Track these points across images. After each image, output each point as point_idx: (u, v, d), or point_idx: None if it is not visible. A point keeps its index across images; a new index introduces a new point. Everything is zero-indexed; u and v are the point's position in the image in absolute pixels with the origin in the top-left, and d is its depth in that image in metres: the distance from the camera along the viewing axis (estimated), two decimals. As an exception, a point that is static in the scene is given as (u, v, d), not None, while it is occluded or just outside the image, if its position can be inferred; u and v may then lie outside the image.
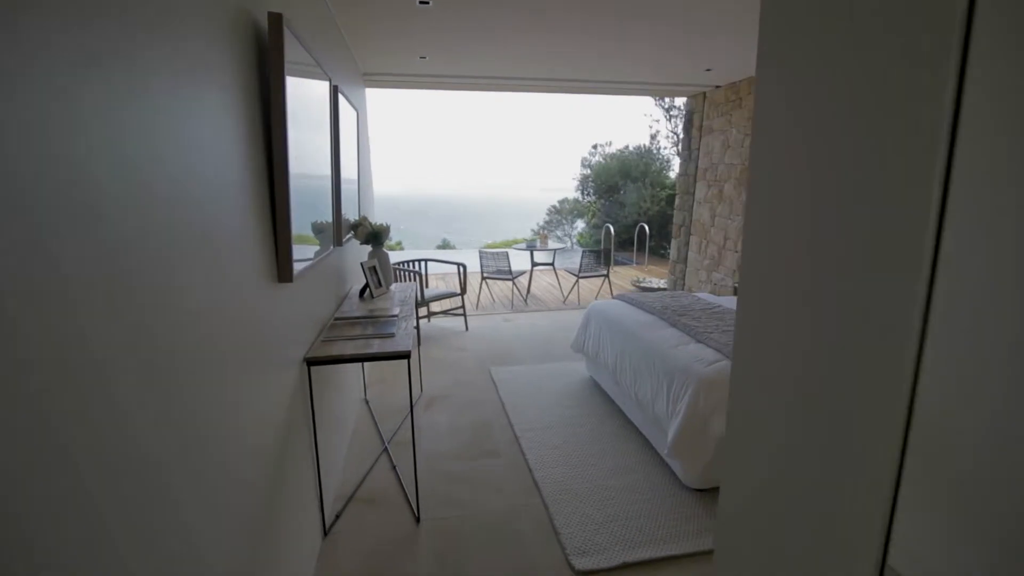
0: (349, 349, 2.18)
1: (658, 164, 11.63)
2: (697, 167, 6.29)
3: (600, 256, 6.90)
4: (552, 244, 8.10)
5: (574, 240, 21.68)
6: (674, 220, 6.88)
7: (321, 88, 2.28)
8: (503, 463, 2.90)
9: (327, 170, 2.42)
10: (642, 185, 11.07)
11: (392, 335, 2.36)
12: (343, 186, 2.75)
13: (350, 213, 3.15)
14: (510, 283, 7.58)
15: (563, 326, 5.60)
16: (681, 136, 6.34)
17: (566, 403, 3.67)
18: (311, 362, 2.04)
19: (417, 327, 4.28)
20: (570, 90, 6.27)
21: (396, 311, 2.76)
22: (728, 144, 5.65)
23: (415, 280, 4.94)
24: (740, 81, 5.43)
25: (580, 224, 21.43)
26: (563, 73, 5.29)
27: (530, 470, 2.80)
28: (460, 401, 3.73)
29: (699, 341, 2.96)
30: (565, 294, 7.33)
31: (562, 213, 21.67)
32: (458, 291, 5.41)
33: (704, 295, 4.19)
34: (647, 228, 10.26)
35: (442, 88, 5.97)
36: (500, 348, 4.93)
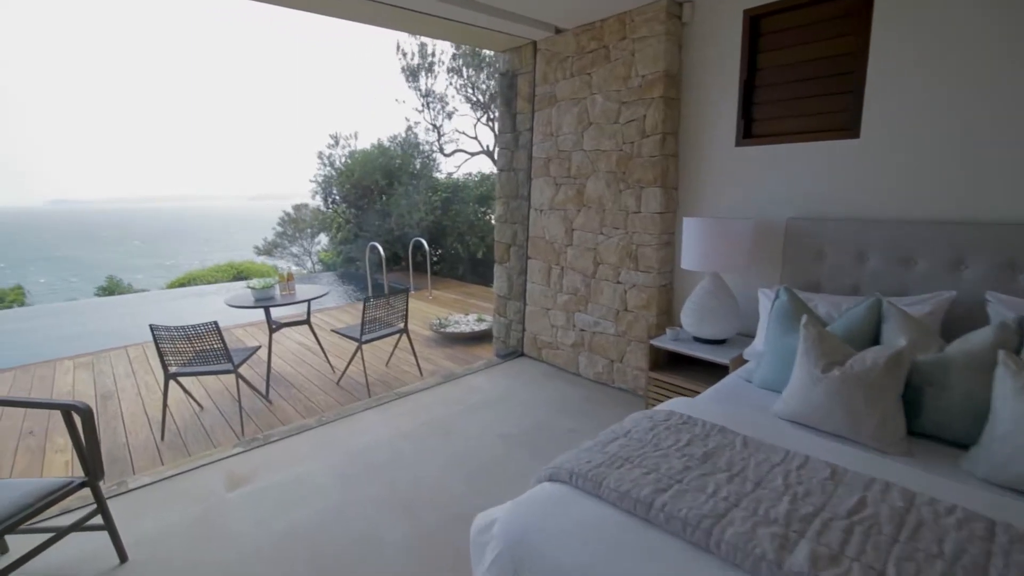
0: None
1: (423, 160, 9.32)
2: (531, 157, 4.17)
3: (372, 286, 4.19)
4: (298, 281, 4.87)
5: (315, 258, 17.60)
6: (496, 236, 4.63)
7: None
8: None
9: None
10: (414, 190, 8.55)
11: None
12: None
13: None
14: (229, 376, 4.13)
15: (366, 477, 2.72)
16: (497, 112, 4.04)
17: None
18: None
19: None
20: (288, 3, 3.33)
21: None
22: (588, 119, 3.66)
23: None
24: (605, 20, 3.48)
25: (323, 238, 17.42)
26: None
27: None
28: None
29: None
30: (337, 373, 4.30)
31: (299, 222, 17.29)
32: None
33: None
34: (426, 244, 7.84)
35: None
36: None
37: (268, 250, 17.42)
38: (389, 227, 8.95)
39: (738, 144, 3.11)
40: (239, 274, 16.27)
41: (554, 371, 4.21)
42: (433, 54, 9.84)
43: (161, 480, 2.74)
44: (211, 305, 8.50)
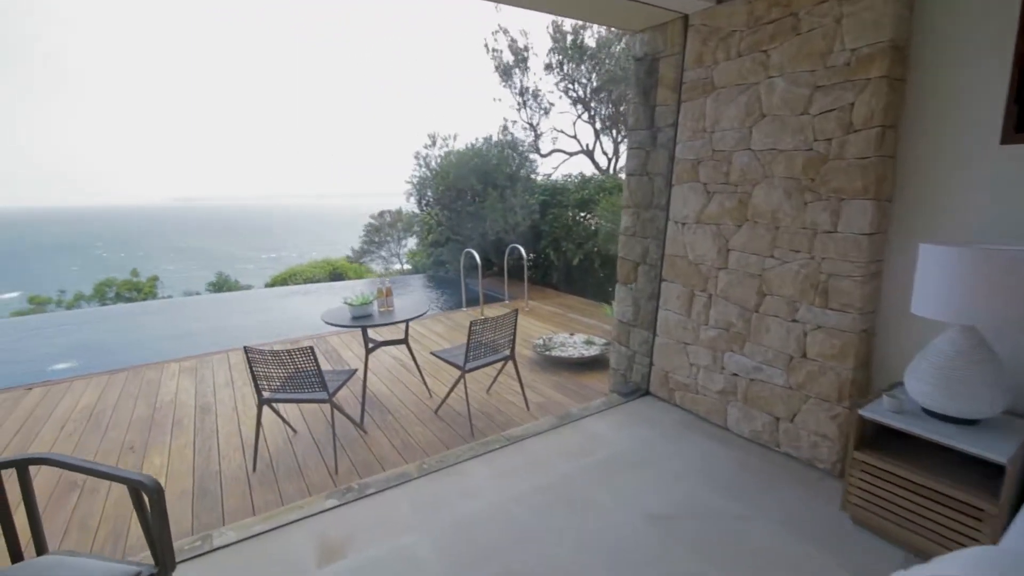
0: None
1: (519, 161, 8.79)
2: (673, 159, 3.42)
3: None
4: (395, 294, 4.48)
5: (404, 261, 17.83)
6: (621, 252, 3.93)
7: None
8: None
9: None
10: (512, 192, 8.04)
11: None
12: None
13: None
14: (325, 407, 3.81)
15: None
16: (631, 102, 3.31)
17: None
18: None
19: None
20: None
21: None
22: (761, 110, 2.86)
23: None
24: (793, -22, 2.66)
25: (410, 241, 17.61)
26: None
27: None
28: None
29: None
30: (434, 396, 3.82)
31: (383, 230, 17.62)
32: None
33: None
34: (523, 251, 7.29)
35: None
36: None
37: (360, 252, 17.92)
38: (483, 231, 8.52)
39: (1008, 141, 2.18)
40: (335, 271, 16.87)
41: (692, 420, 3.44)
42: (526, 48, 9.30)
43: (247, 539, 2.35)
44: (315, 306, 8.57)
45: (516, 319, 3.72)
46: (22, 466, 1.65)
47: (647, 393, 3.85)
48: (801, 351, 2.80)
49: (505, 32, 9.50)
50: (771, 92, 2.81)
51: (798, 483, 2.70)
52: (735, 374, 3.18)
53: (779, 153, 2.80)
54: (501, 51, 9.72)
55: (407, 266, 17.21)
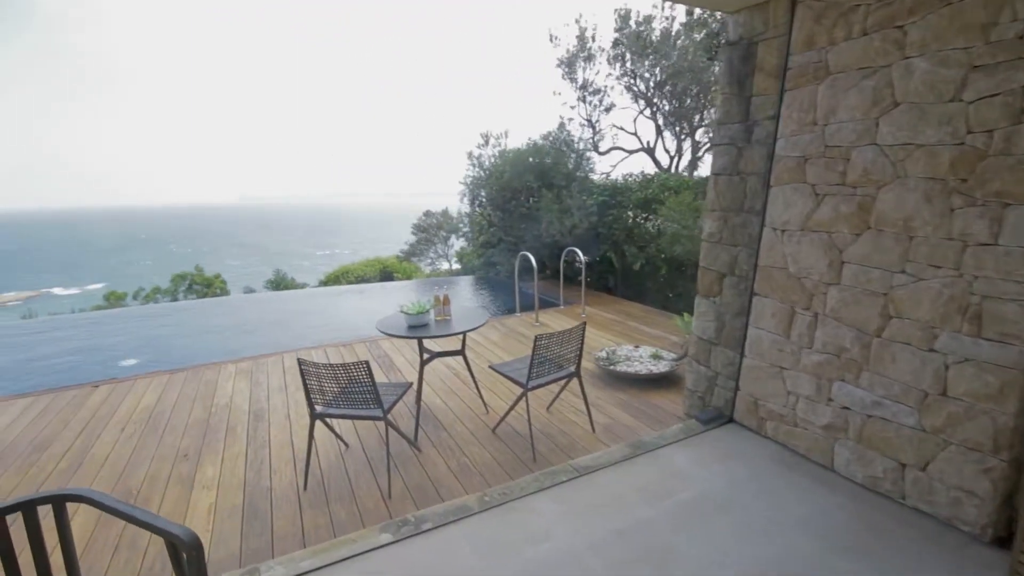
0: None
1: (576, 160, 8.38)
2: (773, 156, 2.98)
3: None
4: (435, 285, 4.21)
5: (452, 261, 17.79)
6: (704, 261, 3.50)
7: None
8: None
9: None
10: (568, 193, 7.65)
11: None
12: None
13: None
14: (380, 424, 3.60)
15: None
16: (721, 93, 2.87)
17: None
18: None
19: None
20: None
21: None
22: (893, 97, 2.39)
23: None
24: (946, -66, 2.18)
25: (457, 242, 17.54)
26: None
27: None
28: None
29: None
30: (490, 411, 3.53)
31: (429, 231, 17.63)
32: None
33: None
34: (580, 255, 6.91)
35: None
36: None
37: (410, 251, 18.04)
38: (537, 233, 8.19)
39: None
40: (384, 269, 17.05)
41: (789, 457, 2.99)
42: (593, 38, 8.89)
43: (296, 577, 2.14)
44: (368, 306, 8.55)
45: (583, 332, 3.38)
46: (59, 503, 1.48)
47: (730, 420, 3.42)
48: (940, 387, 2.31)
49: (576, 21, 9.10)
50: (908, 76, 2.33)
51: (937, 547, 2.23)
52: (846, 408, 2.71)
53: (917, 148, 2.33)
54: (564, 41, 9.32)
55: (456, 266, 17.16)
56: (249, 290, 16.55)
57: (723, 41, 3.26)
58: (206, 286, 15.19)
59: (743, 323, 3.25)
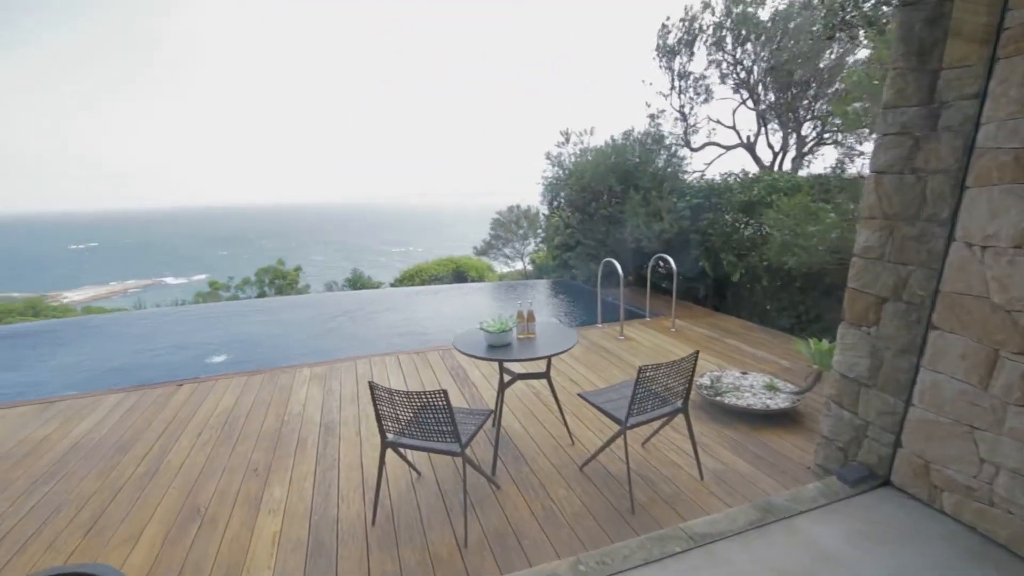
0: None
1: (666, 158, 7.65)
2: (970, 148, 2.25)
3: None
4: (509, 291, 3.76)
5: (527, 261, 17.45)
6: (854, 281, 2.80)
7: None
8: None
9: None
10: (658, 195, 6.95)
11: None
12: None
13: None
14: (455, 459, 3.22)
15: None
16: (892, 68, 2.15)
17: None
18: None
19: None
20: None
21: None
22: None
23: None
24: None
25: (533, 242, 17.19)
26: None
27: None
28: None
29: None
30: (576, 441, 3.04)
31: (509, 227, 17.39)
32: None
33: None
34: (672, 263, 6.25)
35: None
36: None
37: (485, 247, 17.93)
38: (620, 237, 7.57)
39: None
40: (457, 268, 17.06)
41: (980, 545, 2.26)
42: (700, 28, 8.07)
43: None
44: (442, 309, 8.37)
45: (695, 363, 2.82)
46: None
47: (886, 483, 2.71)
48: None
49: (689, 8, 8.35)
50: None
51: None
52: (1084, 494, 1.96)
53: None
54: (671, 29, 8.54)
55: (529, 267, 16.83)
56: (331, 284, 17.18)
57: (896, 2, 2.56)
58: (282, 279, 15.99)
59: (911, 363, 2.53)
